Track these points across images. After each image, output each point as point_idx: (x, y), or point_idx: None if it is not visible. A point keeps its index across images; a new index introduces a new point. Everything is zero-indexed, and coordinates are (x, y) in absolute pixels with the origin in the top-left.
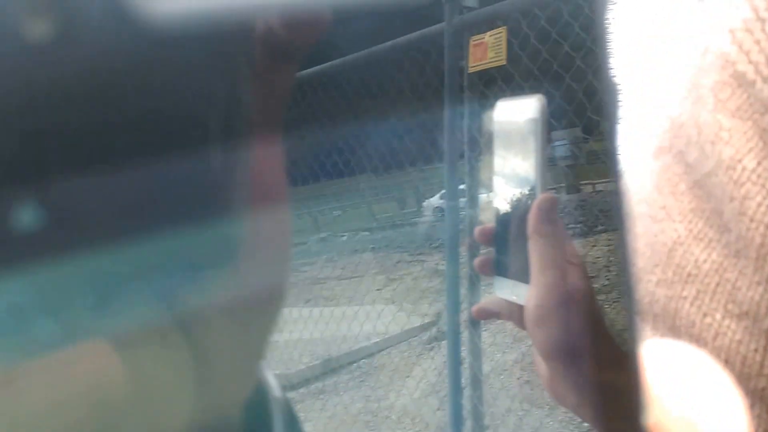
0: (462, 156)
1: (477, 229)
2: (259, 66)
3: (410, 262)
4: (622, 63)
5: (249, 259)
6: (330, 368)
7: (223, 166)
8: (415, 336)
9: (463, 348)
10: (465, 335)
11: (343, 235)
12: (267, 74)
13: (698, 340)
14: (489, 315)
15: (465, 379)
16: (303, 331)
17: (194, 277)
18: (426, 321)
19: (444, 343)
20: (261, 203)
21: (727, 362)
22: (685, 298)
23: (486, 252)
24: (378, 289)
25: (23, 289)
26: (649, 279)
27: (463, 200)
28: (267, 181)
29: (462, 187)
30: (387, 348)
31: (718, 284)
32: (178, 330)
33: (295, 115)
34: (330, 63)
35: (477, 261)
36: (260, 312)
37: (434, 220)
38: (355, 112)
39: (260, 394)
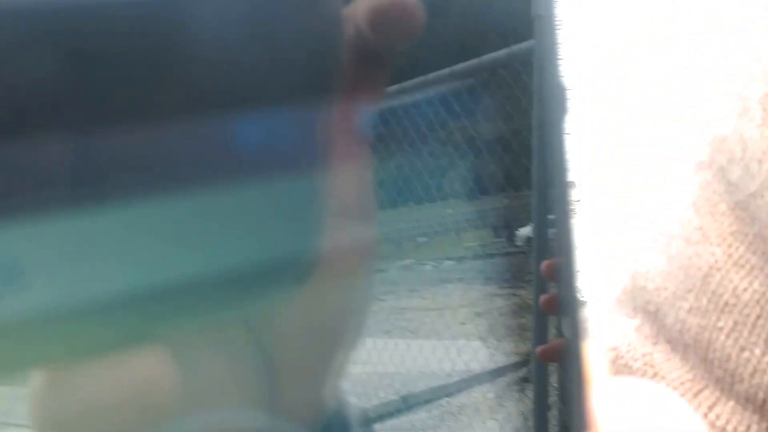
0: (552, 183)
1: (544, 264)
2: (346, 71)
3: (499, 295)
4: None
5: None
6: (408, 405)
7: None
8: (501, 376)
9: (551, 393)
10: (554, 378)
11: (428, 264)
12: (355, 80)
13: (733, 375)
14: (555, 357)
15: (552, 426)
16: (381, 364)
17: (271, 280)
18: (514, 360)
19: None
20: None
21: (766, 402)
22: (721, 329)
23: (553, 288)
24: (463, 323)
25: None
26: (681, 306)
27: (552, 231)
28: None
29: (551, 217)
30: (470, 387)
31: (759, 316)
32: (248, 336)
33: (379, 135)
34: (413, 80)
35: (542, 298)
36: (340, 321)
37: (526, 251)
38: (442, 133)
39: (340, 419)
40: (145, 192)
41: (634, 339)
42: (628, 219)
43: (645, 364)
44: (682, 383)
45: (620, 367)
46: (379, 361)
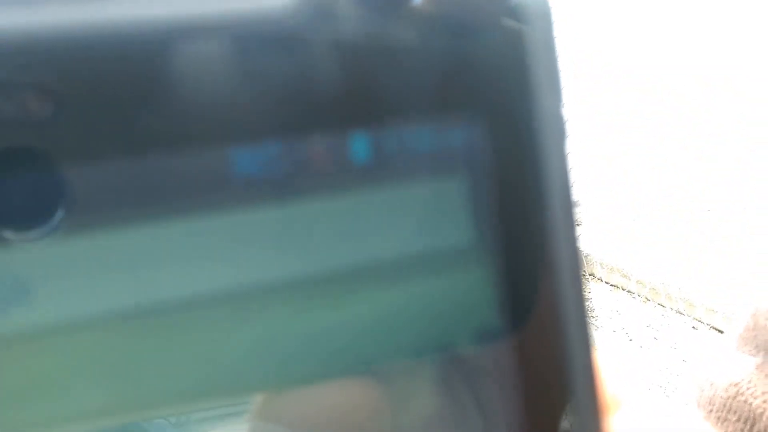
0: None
1: None
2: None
3: None
4: None
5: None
6: None
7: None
8: None
9: None
10: None
11: None
12: None
13: None
14: None
15: None
16: None
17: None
18: None
19: None
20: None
21: None
22: None
23: None
24: None
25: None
26: None
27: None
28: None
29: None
30: None
31: None
32: (462, 377)
33: None
34: None
35: None
36: None
37: None
38: None
39: None
40: None
41: (755, 376)
42: (755, 254)
43: (765, 402)
44: None
45: (740, 403)
46: None
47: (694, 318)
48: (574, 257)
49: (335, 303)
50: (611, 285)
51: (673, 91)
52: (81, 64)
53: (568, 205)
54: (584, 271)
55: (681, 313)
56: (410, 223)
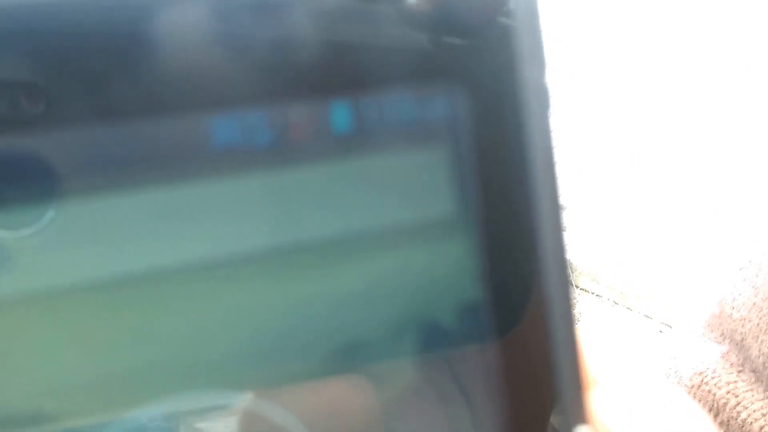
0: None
1: None
2: None
3: None
4: None
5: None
6: None
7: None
8: None
9: None
10: None
11: None
12: None
13: None
14: None
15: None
16: None
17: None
18: None
19: None
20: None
21: None
22: None
23: None
24: None
25: None
26: (764, 339)
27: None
28: None
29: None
30: None
31: None
32: (452, 377)
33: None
34: None
35: None
36: None
37: None
38: None
39: None
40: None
41: (720, 366)
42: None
43: (728, 392)
44: (763, 414)
45: (704, 393)
46: None
47: (661, 322)
48: (558, 239)
49: (318, 274)
50: (580, 288)
51: (655, 95)
52: (60, 38)
53: (553, 188)
54: (568, 257)
55: (648, 317)
56: (392, 193)
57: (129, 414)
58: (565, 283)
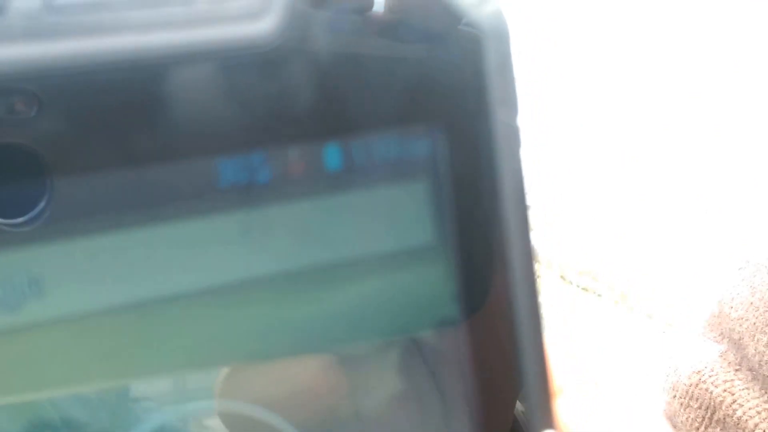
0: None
1: None
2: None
3: None
4: None
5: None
6: None
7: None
8: None
9: None
10: None
11: None
12: None
13: None
14: None
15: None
16: None
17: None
18: None
19: None
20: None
21: None
22: None
23: None
24: None
25: None
26: (760, 338)
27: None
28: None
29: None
30: None
31: None
32: (421, 358)
33: None
34: None
35: None
36: None
37: None
38: None
39: None
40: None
41: (718, 365)
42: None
43: (725, 391)
44: (758, 412)
45: (702, 391)
46: None
47: (663, 322)
48: (527, 255)
49: (310, 293)
50: (581, 288)
51: (648, 92)
52: (87, 94)
53: (521, 207)
54: (537, 268)
55: (650, 317)
56: (377, 222)
57: (140, 411)
58: (533, 295)
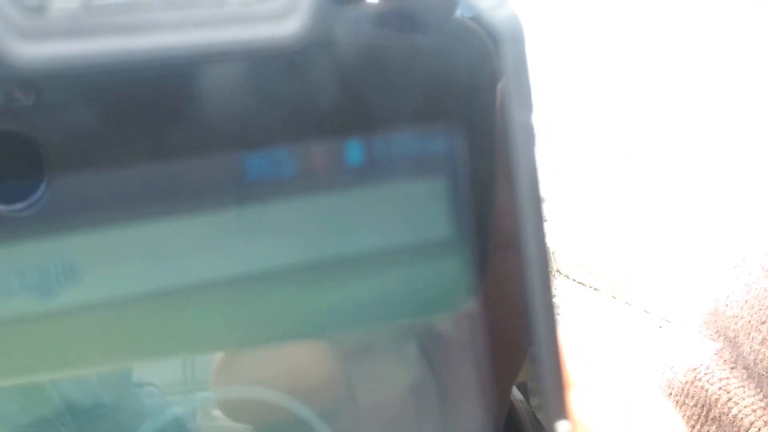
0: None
1: None
2: None
3: None
4: None
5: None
6: None
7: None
8: None
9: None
10: None
11: None
12: None
13: None
14: None
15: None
16: None
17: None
18: None
19: None
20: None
21: None
22: None
23: None
24: None
25: None
26: (755, 336)
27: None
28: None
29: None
30: None
31: None
32: (419, 349)
33: None
34: None
35: None
36: None
37: None
38: None
39: None
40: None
41: (714, 363)
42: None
43: (720, 389)
44: (754, 410)
45: (697, 389)
46: None
47: (661, 317)
48: (542, 248)
49: (328, 288)
50: (577, 282)
51: (651, 92)
52: (121, 92)
53: (536, 201)
54: (551, 262)
55: (647, 312)
56: (397, 215)
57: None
58: (547, 288)
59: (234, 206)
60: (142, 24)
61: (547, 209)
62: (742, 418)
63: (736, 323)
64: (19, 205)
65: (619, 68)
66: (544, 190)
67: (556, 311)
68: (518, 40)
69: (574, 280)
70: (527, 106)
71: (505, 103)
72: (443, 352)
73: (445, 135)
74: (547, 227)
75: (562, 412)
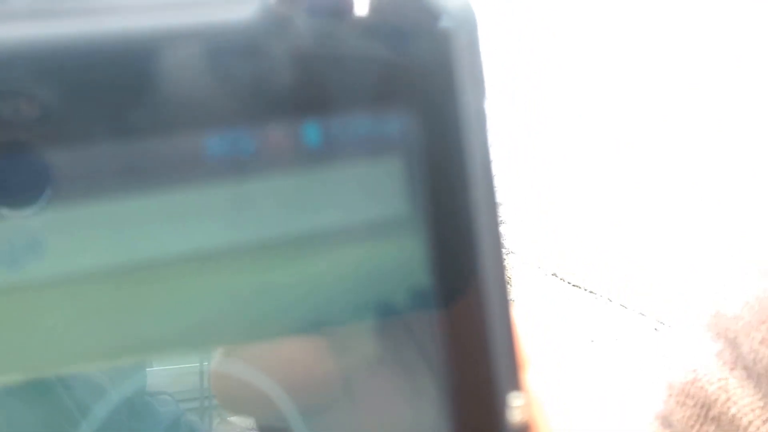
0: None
1: None
2: None
3: None
4: None
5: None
6: None
7: None
8: None
9: None
10: None
11: None
12: None
13: None
14: None
15: None
16: None
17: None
18: None
19: None
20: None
21: None
22: None
23: None
24: None
25: None
26: (755, 336)
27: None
28: None
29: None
30: None
31: None
32: (416, 347)
33: None
34: None
35: None
36: None
37: None
38: None
39: None
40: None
41: (713, 363)
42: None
43: (719, 389)
44: (752, 410)
45: (697, 389)
46: None
47: (656, 320)
48: (494, 227)
49: (289, 265)
50: (573, 285)
51: (640, 87)
52: (71, 72)
53: (489, 185)
54: (503, 240)
55: (643, 315)
56: (354, 195)
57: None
58: (500, 267)
59: (194, 185)
60: (100, 7)
61: (499, 192)
62: (741, 418)
63: (736, 324)
64: (26, 210)
65: (615, 63)
66: (496, 173)
67: (508, 291)
68: (470, 26)
69: (569, 283)
70: (480, 91)
71: (459, 87)
72: (430, 339)
73: (400, 117)
74: (500, 209)
75: (514, 384)
